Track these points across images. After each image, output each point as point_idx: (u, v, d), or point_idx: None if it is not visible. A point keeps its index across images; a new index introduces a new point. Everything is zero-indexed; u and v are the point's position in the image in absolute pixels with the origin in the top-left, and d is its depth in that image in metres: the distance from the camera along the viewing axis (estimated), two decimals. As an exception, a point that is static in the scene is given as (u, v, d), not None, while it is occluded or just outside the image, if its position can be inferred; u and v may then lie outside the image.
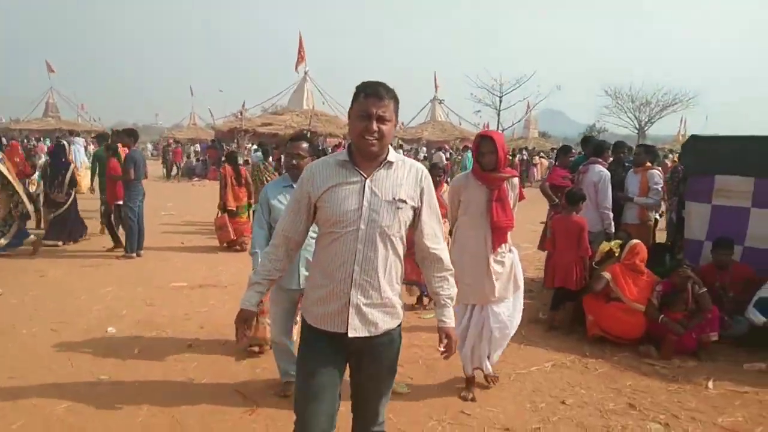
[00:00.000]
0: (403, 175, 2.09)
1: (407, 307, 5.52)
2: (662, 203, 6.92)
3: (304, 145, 3.58)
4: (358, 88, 2.04)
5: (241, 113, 20.44)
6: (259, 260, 2.37)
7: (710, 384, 4.23)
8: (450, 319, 2.23)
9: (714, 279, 5.19)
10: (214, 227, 9.11)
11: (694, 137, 5.83)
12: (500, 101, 27.41)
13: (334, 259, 2.04)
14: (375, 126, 1.97)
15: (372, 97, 1.98)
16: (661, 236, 7.24)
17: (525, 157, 24.76)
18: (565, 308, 5.36)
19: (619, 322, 4.89)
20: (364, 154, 2.04)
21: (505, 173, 3.68)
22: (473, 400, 3.83)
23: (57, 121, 35.93)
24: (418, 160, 22.07)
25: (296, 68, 21.72)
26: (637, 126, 40.98)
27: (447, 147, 26.19)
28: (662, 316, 4.75)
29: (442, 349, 2.21)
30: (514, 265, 3.85)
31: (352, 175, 2.05)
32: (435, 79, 35.35)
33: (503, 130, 28.19)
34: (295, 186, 2.38)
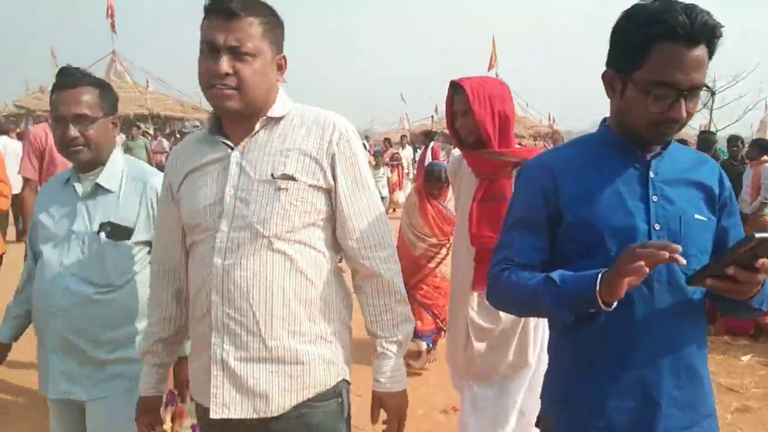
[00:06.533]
0: (297, 136, 1.32)
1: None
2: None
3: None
4: None
5: (432, 117, 22.60)
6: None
7: (744, 357, 4.62)
8: (386, 377, 1.38)
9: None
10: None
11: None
12: (713, 100, 24.90)
13: (192, 285, 1.37)
14: (223, 66, 1.23)
15: (214, 15, 1.25)
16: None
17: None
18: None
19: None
20: (226, 113, 1.31)
21: (507, 153, 2.12)
22: None
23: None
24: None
25: (488, 71, 23.21)
26: None
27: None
28: (716, 296, 5.14)
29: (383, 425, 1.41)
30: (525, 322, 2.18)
31: (215, 150, 1.34)
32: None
33: (717, 131, 25.57)
34: None
